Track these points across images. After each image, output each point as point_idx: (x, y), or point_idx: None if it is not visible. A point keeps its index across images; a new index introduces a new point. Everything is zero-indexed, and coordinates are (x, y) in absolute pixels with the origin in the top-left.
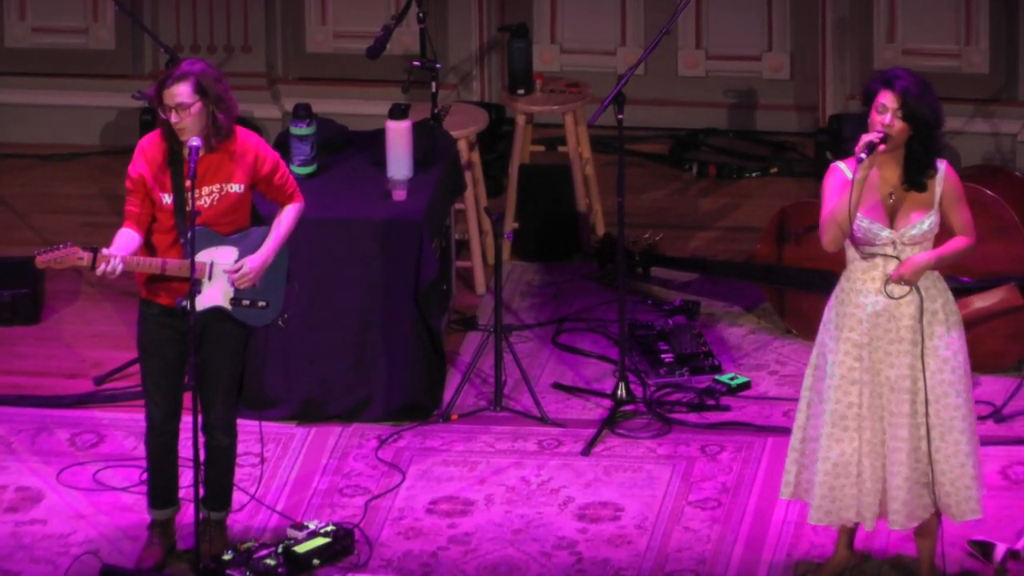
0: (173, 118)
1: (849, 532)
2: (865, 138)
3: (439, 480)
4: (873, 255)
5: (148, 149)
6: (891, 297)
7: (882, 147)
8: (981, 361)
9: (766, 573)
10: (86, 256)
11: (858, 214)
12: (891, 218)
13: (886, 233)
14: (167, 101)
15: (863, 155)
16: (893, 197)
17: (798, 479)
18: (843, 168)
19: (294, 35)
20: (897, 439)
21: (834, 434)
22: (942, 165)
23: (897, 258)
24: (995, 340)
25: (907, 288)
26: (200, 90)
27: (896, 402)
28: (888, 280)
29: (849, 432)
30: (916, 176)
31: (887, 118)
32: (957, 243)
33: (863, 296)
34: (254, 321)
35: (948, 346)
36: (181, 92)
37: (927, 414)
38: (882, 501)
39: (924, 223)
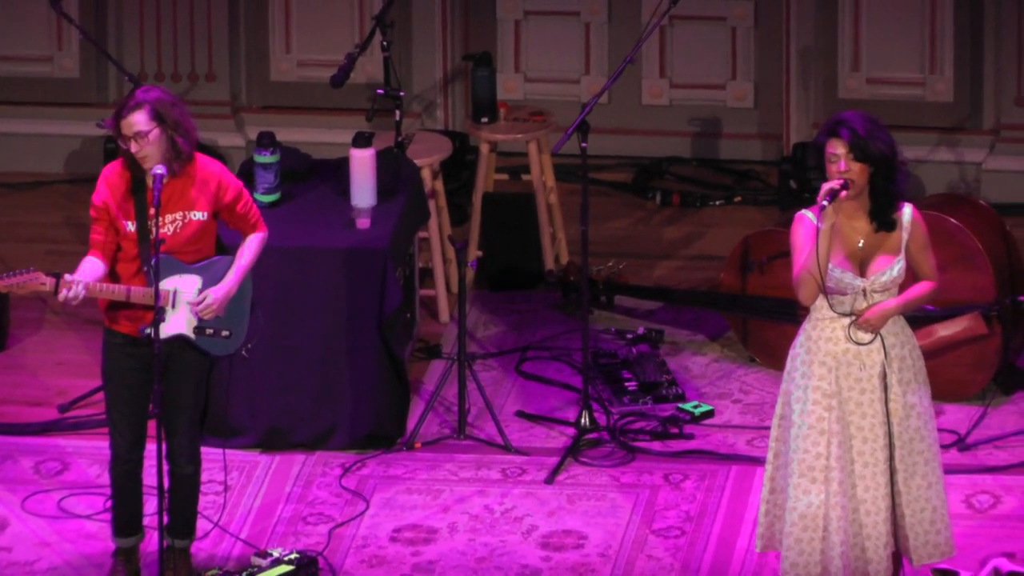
0: (133, 147)
1: None
2: (826, 186)
3: (403, 508)
4: (843, 304)
5: (111, 177)
6: (857, 343)
7: (844, 193)
8: (945, 390)
9: None
10: (48, 281)
11: (830, 264)
12: (861, 266)
13: (858, 282)
14: (125, 131)
15: (825, 202)
16: (863, 244)
17: (771, 530)
18: (809, 216)
19: (258, 63)
20: (877, 487)
21: (801, 485)
22: (908, 208)
23: (853, 312)
24: (959, 369)
25: (872, 334)
26: (156, 116)
27: (870, 451)
28: (852, 325)
29: (817, 484)
30: (885, 213)
31: (841, 165)
32: (922, 288)
33: (833, 344)
34: (217, 351)
35: (915, 391)
36: (137, 120)
37: (892, 458)
38: (855, 556)
39: (893, 269)
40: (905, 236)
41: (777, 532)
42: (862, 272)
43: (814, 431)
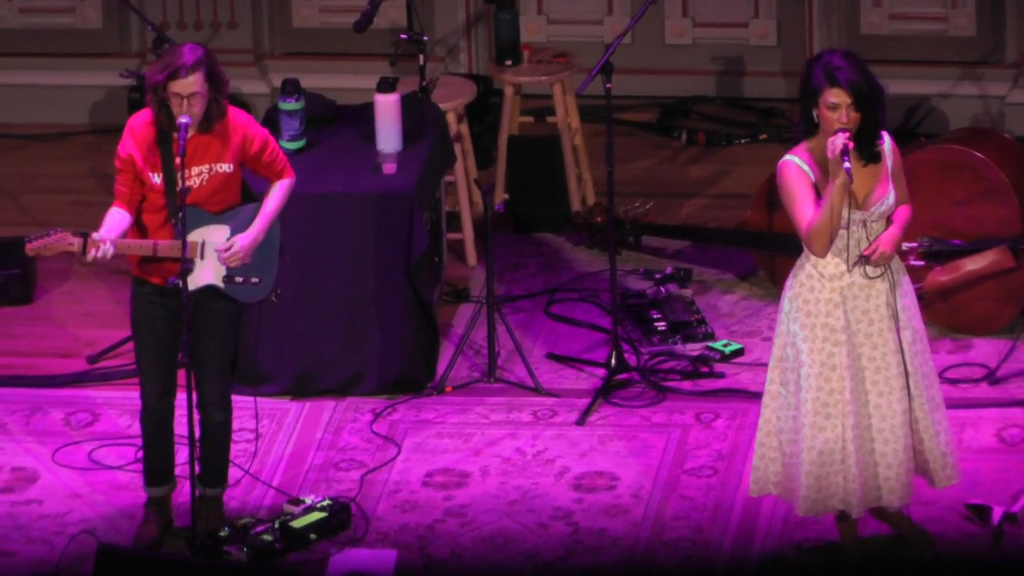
0: (185, 107)
1: (852, 521)
2: (837, 144)
3: (434, 453)
4: (842, 238)
5: (137, 129)
6: (869, 278)
7: (851, 144)
8: (973, 324)
9: (762, 540)
10: (76, 241)
11: None
12: (856, 199)
13: (857, 215)
14: (180, 91)
15: (848, 163)
16: (852, 179)
17: (765, 474)
18: (796, 161)
19: (280, 10)
20: (893, 415)
21: (816, 423)
22: (887, 137)
23: (849, 247)
24: (987, 303)
25: (882, 268)
26: (210, 78)
27: (884, 380)
28: (862, 262)
29: (832, 419)
30: (870, 148)
31: (842, 116)
32: (907, 212)
33: (838, 280)
34: (247, 298)
35: (915, 316)
36: (196, 82)
37: (908, 385)
38: (871, 486)
39: (889, 197)
40: (890, 163)
41: (772, 475)
42: (859, 205)
43: (825, 368)
